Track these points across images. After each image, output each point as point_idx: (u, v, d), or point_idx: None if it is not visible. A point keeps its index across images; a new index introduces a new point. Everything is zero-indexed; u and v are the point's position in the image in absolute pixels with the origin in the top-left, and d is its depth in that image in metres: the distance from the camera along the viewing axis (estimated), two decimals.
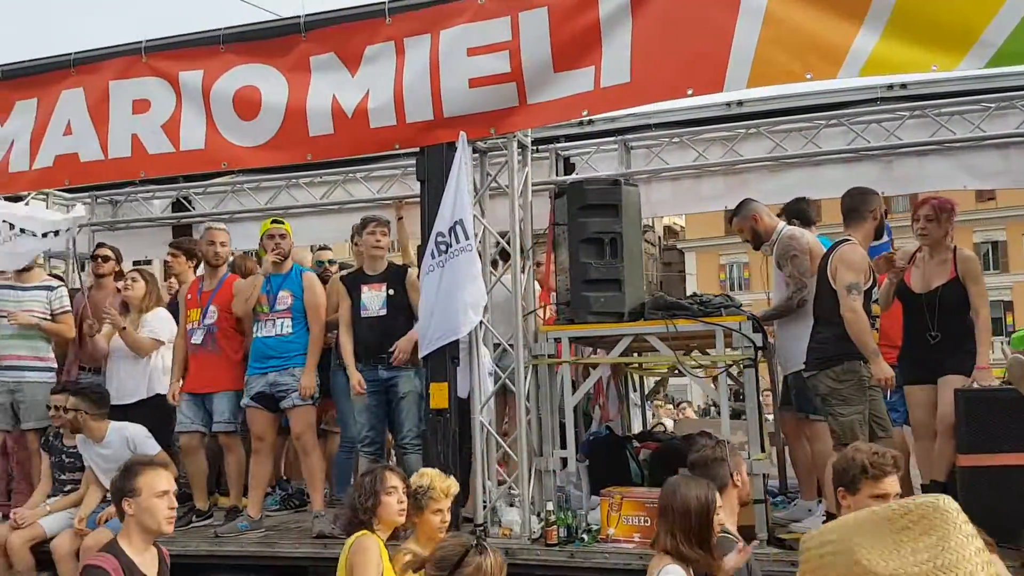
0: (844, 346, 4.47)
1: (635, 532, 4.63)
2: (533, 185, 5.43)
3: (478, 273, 4.90)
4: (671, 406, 16.87)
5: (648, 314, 4.96)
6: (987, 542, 1.47)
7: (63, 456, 5.68)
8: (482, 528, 4.89)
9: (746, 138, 6.75)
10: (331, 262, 6.56)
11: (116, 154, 5.44)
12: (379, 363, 5.33)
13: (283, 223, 5.64)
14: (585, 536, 4.76)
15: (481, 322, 5.00)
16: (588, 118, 6.51)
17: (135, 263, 7.32)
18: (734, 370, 4.80)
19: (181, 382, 5.75)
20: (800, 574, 1.39)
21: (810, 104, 6.54)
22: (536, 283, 5.70)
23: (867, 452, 3.14)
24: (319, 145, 5.24)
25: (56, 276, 6.92)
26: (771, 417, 5.94)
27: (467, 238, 4.83)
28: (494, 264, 5.63)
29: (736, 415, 5.82)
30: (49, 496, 5.69)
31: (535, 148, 5.66)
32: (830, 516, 4.54)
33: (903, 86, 6.27)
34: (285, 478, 6.77)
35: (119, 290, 6.29)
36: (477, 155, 5.32)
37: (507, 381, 5.10)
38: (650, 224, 7.21)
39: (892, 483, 3.09)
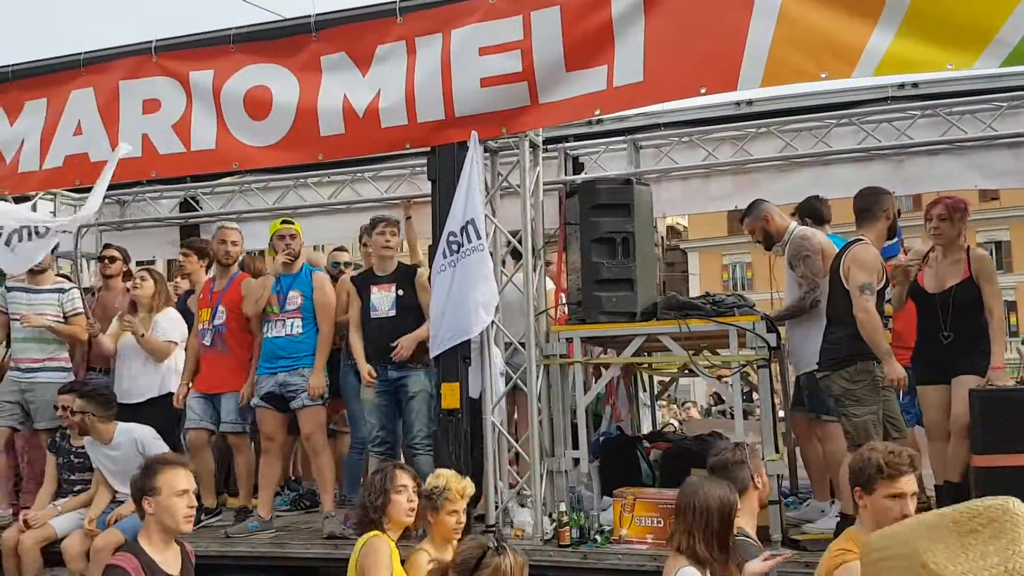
0: (857, 346, 4.44)
1: (648, 533, 4.62)
2: (543, 185, 5.42)
3: (490, 273, 4.89)
4: (675, 406, 16.86)
5: (661, 314, 4.95)
6: None
7: (71, 457, 5.67)
8: (493, 528, 4.87)
9: (756, 137, 6.73)
10: (347, 264, 6.55)
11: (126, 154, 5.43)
12: (388, 363, 5.31)
13: (293, 223, 5.63)
14: (598, 537, 4.74)
15: (493, 322, 4.99)
16: (597, 117, 6.49)
17: (138, 263, 7.32)
18: (746, 370, 4.78)
19: (190, 385, 5.75)
20: None
21: (820, 103, 6.52)
22: (549, 281, 5.69)
23: (883, 451, 3.10)
24: (330, 145, 5.23)
25: (63, 276, 6.92)
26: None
27: (479, 238, 4.82)
28: (504, 264, 5.62)
29: (744, 415, 5.80)
30: (56, 497, 5.68)
31: (544, 148, 5.65)
32: (844, 516, 4.53)
33: (914, 85, 6.25)
34: (294, 478, 6.76)
35: (128, 290, 6.29)
36: (488, 154, 5.32)
37: (518, 381, 5.09)
38: (653, 224, 7.19)
39: (909, 482, 3.06)
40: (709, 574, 3.19)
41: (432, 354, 5.03)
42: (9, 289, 6.03)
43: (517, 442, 5.17)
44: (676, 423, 8.60)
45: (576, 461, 5.07)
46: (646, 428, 6.92)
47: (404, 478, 3.69)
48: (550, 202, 5.86)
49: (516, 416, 5.82)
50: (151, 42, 5.52)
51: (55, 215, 6.59)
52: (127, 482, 5.31)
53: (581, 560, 4.61)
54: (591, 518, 4.86)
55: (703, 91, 4.50)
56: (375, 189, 7.57)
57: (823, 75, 4.27)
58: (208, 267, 6.26)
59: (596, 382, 5.57)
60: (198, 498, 5.55)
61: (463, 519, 3.79)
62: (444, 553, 3.63)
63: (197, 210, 8.15)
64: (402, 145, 5.28)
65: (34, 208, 6.26)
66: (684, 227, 39.15)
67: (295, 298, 5.44)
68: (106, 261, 6.61)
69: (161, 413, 5.76)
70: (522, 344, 5.09)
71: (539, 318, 5.17)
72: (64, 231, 5.70)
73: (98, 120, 5.50)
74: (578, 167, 7.26)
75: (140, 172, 5.63)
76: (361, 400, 5.50)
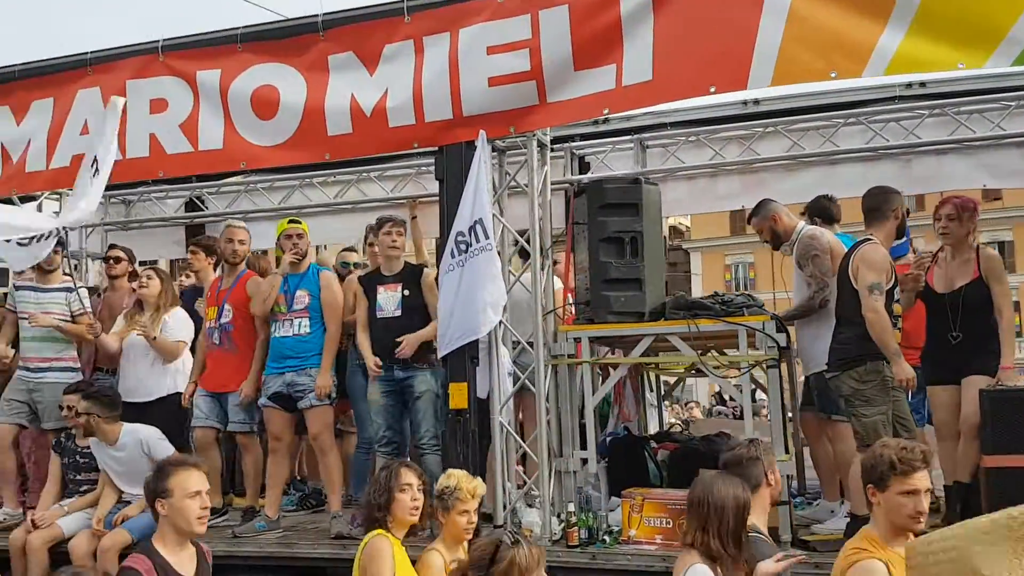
0: (867, 346, 4.43)
1: (657, 534, 4.61)
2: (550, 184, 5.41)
3: (498, 273, 4.88)
4: (678, 406, 16.86)
5: (669, 314, 4.93)
6: None
7: (76, 457, 5.67)
8: (501, 527, 4.86)
9: (763, 137, 6.72)
10: (356, 264, 6.54)
11: (134, 154, 5.44)
12: (395, 363, 5.30)
13: (300, 223, 5.62)
14: (607, 538, 4.73)
15: (501, 321, 4.98)
16: (604, 117, 6.48)
17: (141, 263, 7.31)
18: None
19: (196, 383, 5.75)
20: None
21: (828, 103, 6.50)
22: (557, 280, 5.68)
23: (895, 447, 3.07)
24: (337, 144, 5.23)
25: (66, 275, 6.90)
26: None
27: (487, 237, 4.82)
28: (509, 263, 5.60)
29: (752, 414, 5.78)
30: (62, 497, 5.68)
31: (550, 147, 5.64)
32: (853, 517, 4.51)
33: (922, 84, 6.24)
34: (299, 478, 6.76)
35: (134, 290, 6.28)
36: (496, 154, 5.29)
37: (526, 381, 5.08)
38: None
39: (922, 478, 3.02)
40: (720, 572, 3.17)
41: (440, 354, 5.03)
42: (18, 288, 6.03)
43: (526, 442, 5.16)
44: (678, 423, 8.56)
45: (584, 461, 5.06)
46: (652, 428, 6.91)
47: (409, 476, 3.67)
48: (556, 202, 5.85)
49: (522, 416, 5.81)
50: (158, 42, 5.52)
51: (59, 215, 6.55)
52: (133, 483, 5.38)
53: (590, 561, 4.59)
54: (599, 519, 4.84)
55: (713, 90, 4.49)
56: (381, 189, 7.56)
57: (833, 74, 4.26)
58: (216, 265, 6.25)
59: (604, 382, 5.56)
60: None
61: (474, 519, 3.77)
62: (456, 553, 3.61)
63: (202, 210, 8.14)
64: (410, 145, 5.28)
65: (39, 208, 6.27)
66: (687, 227, 39.09)
67: (302, 297, 5.43)
68: (111, 261, 6.60)
69: (168, 413, 5.76)
70: (530, 344, 5.08)
71: (547, 318, 5.15)
72: (67, 227, 5.64)
73: (106, 119, 5.48)
74: (584, 167, 7.25)
75: (148, 172, 5.63)
76: (368, 400, 5.50)
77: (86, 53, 5.69)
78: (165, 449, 5.35)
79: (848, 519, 4.65)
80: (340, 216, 7.74)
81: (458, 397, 4.94)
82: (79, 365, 6.02)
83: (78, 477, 5.68)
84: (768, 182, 6.69)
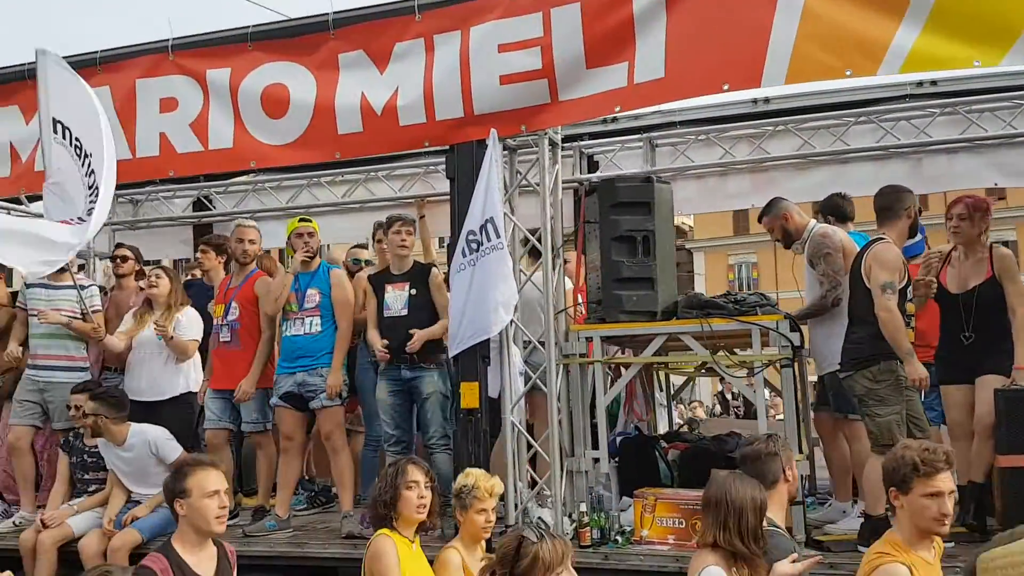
0: (880, 346, 4.40)
1: (669, 534, 4.60)
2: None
3: (510, 272, 4.86)
4: (682, 406, 16.84)
5: (682, 313, 4.92)
6: None
7: (84, 456, 5.66)
8: (511, 527, 4.84)
9: (773, 135, 6.68)
10: (368, 262, 6.53)
11: (144, 153, 5.44)
12: (402, 363, 5.29)
13: (311, 221, 5.61)
14: (619, 538, 4.71)
15: (512, 321, 4.96)
16: (612, 116, 6.47)
17: (145, 262, 7.29)
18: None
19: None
20: None
21: (838, 101, 6.46)
22: (568, 279, 5.66)
23: (917, 449, 3.02)
24: (348, 143, 5.23)
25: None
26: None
27: (498, 236, 4.80)
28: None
29: (755, 415, 5.77)
30: (71, 496, 5.66)
31: None
32: (867, 517, 4.49)
33: (933, 83, 6.20)
34: (307, 477, 6.74)
35: (141, 289, 6.27)
36: (507, 152, 5.28)
37: (538, 381, 5.06)
38: None
39: (946, 480, 2.98)
40: (737, 573, 3.15)
41: (451, 353, 5.01)
42: (29, 286, 6.01)
43: (537, 442, 5.14)
44: (694, 421, 8.54)
45: (596, 461, 5.04)
46: (662, 428, 6.89)
47: (416, 473, 3.62)
48: (565, 200, 5.83)
49: (531, 416, 5.79)
50: (168, 41, 5.51)
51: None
52: (141, 483, 5.38)
53: (602, 561, 4.57)
54: (611, 519, 4.83)
55: (726, 88, 4.47)
56: (389, 188, 7.54)
57: (848, 72, 4.24)
58: (226, 264, 6.25)
59: (615, 382, 5.54)
60: None
61: (492, 518, 3.76)
62: (474, 552, 3.60)
63: (210, 209, 8.12)
64: (420, 143, 5.26)
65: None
66: (689, 227, 39.00)
67: (313, 296, 5.42)
68: (118, 260, 6.59)
69: (179, 413, 5.75)
70: (541, 343, 5.06)
71: (558, 317, 5.14)
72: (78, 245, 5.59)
73: (115, 118, 5.48)
74: (593, 166, 7.22)
75: (158, 171, 5.62)
76: (376, 399, 5.49)
77: (95, 52, 5.69)
78: (173, 449, 5.34)
79: (861, 519, 4.62)
80: (348, 215, 7.72)
81: (469, 396, 4.93)
82: (89, 364, 6.01)
83: (86, 476, 5.67)
84: (778, 181, 6.65)
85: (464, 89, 4.93)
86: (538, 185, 5.09)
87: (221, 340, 5.74)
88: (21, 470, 5.87)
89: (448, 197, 5.41)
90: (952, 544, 3.98)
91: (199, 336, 5.87)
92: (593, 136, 7.05)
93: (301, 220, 5.61)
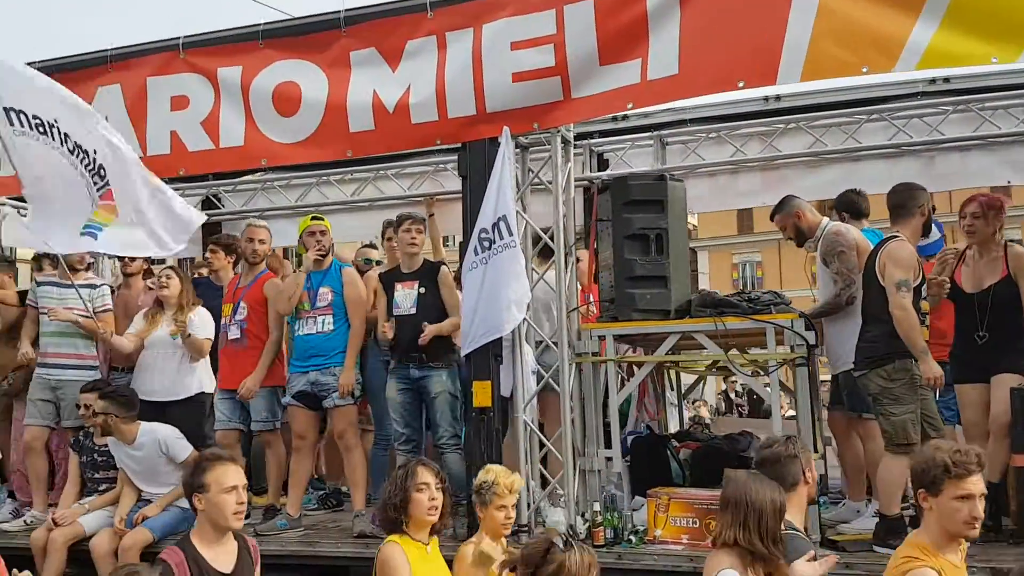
0: (895, 344, 4.38)
1: (683, 534, 4.58)
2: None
3: (522, 270, 4.85)
4: (688, 405, 16.78)
5: (695, 311, 4.90)
6: None
7: (94, 455, 5.66)
8: (525, 528, 4.83)
9: (784, 133, 6.62)
10: (378, 262, 6.52)
11: (155, 151, 5.44)
12: (411, 362, 5.27)
13: (323, 219, 5.61)
14: (632, 538, 4.69)
15: (524, 319, 4.95)
16: (623, 113, 6.44)
17: (147, 261, 7.26)
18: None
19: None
20: None
21: (850, 99, 6.40)
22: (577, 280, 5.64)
23: (948, 450, 2.94)
24: (359, 141, 5.22)
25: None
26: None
27: (511, 234, 4.80)
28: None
29: (767, 414, 5.74)
30: (82, 495, 5.66)
31: None
32: (882, 517, 4.47)
33: (946, 80, 6.16)
34: (316, 476, 6.73)
35: (149, 288, 6.25)
36: (519, 150, 5.26)
37: (550, 380, 5.04)
38: None
39: (977, 482, 2.91)
40: (751, 574, 3.12)
41: (464, 352, 5.00)
42: (40, 284, 6.01)
43: (550, 441, 5.12)
44: (704, 420, 8.51)
45: (609, 460, 5.02)
46: (673, 427, 6.87)
47: (426, 475, 3.56)
48: (576, 198, 5.80)
49: (542, 415, 5.77)
50: (179, 38, 5.51)
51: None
52: (151, 482, 5.38)
53: (616, 560, 4.55)
54: (624, 518, 4.81)
55: (741, 85, 4.45)
56: (398, 186, 7.51)
57: (864, 69, 4.22)
58: (236, 264, 6.24)
59: (628, 381, 5.52)
60: None
61: (512, 514, 3.75)
62: (493, 549, 3.58)
63: (219, 208, 8.10)
64: (433, 141, 5.25)
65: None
66: (693, 226, 38.96)
67: (325, 294, 5.41)
68: (126, 259, 6.57)
69: (192, 412, 5.74)
70: (554, 342, 5.04)
71: (570, 316, 5.11)
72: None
73: (126, 117, 5.49)
74: (603, 164, 7.19)
75: (169, 169, 5.59)
76: (386, 397, 5.47)
77: (107, 50, 5.69)
78: (183, 448, 5.34)
79: (876, 519, 4.60)
80: (357, 214, 7.67)
81: (482, 395, 4.91)
82: (99, 363, 6.00)
83: (96, 476, 5.67)
84: (790, 179, 6.60)
85: (476, 87, 4.92)
86: (550, 183, 5.07)
87: (230, 339, 5.73)
88: (34, 470, 5.87)
89: (458, 195, 5.40)
90: (968, 544, 3.95)
91: (212, 335, 5.86)
92: (603, 134, 7.01)
93: (313, 219, 5.61)
